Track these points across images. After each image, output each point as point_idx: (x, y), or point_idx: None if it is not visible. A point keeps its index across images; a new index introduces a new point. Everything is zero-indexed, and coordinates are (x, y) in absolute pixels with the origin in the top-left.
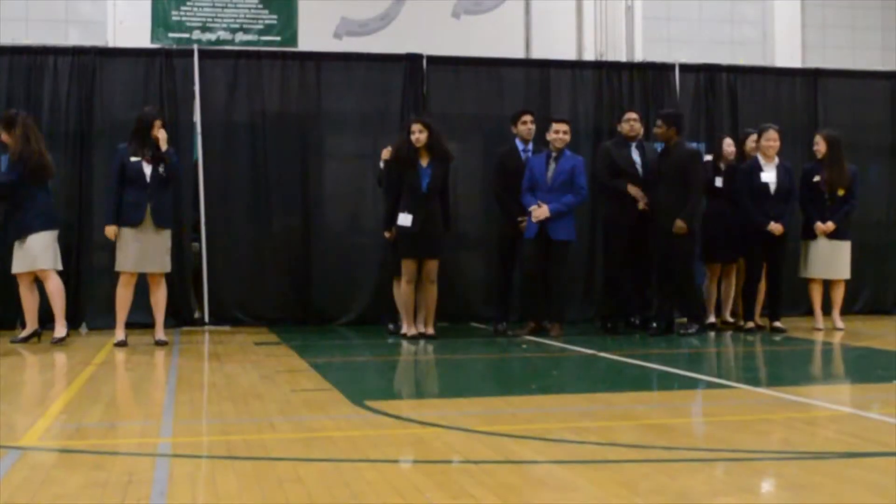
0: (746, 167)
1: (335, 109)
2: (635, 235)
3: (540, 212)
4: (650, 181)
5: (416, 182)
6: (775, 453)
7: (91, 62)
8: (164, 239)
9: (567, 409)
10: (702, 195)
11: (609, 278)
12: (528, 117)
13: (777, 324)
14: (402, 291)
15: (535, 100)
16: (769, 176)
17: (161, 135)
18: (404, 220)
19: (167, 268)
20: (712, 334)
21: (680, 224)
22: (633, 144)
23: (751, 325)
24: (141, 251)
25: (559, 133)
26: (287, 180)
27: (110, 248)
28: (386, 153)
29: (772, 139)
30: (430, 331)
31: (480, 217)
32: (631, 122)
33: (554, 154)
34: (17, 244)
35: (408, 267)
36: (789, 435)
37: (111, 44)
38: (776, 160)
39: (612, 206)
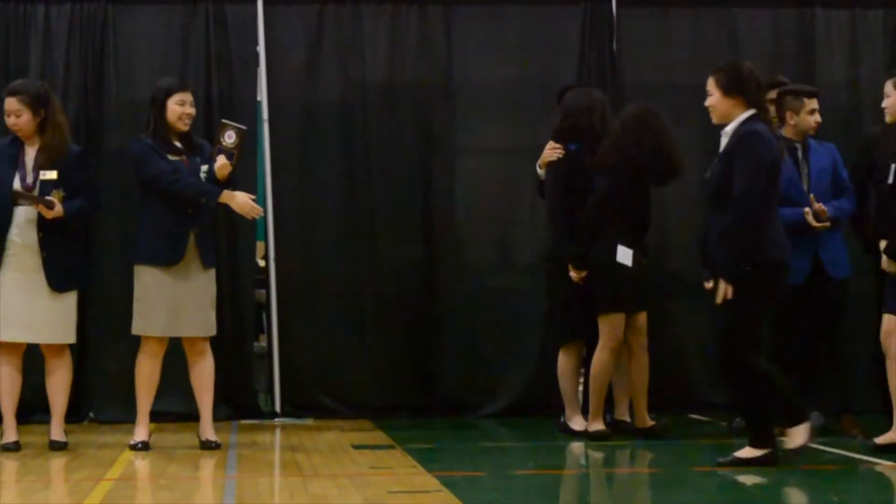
0: None
1: (474, 81)
2: None
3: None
4: None
5: None
6: None
7: (100, 14)
8: (209, 284)
9: None
10: None
11: None
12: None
13: None
14: (600, 363)
15: (789, 59)
16: None
17: (175, 114)
18: (624, 255)
19: (214, 329)
20: None
21: None
22: None
23: None
24: (175, 305)
25: (814, 113)
26: (399, 190)
27: (127, 299)
28: (551, 153)
29: None
30: (648, 421)
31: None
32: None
33: (799, 145)
34: (46, 300)
35: (615, 325)
36: None
37: None
38: None
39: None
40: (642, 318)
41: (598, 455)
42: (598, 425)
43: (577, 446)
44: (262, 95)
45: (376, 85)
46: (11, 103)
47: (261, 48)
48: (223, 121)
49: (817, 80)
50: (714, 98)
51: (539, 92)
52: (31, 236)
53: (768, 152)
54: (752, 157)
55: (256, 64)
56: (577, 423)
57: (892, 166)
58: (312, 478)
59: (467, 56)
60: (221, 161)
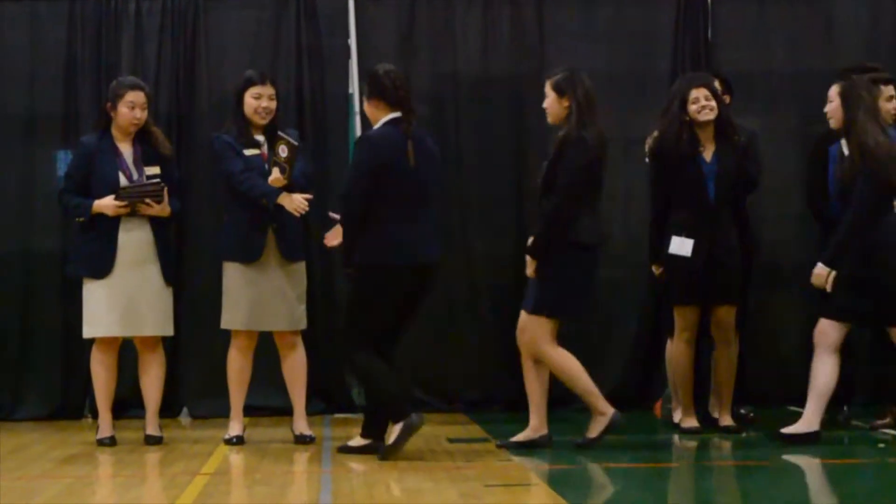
0: None
1: None
2: None
3: None
4: None
5: (696, 186)
6: None
7: (191, 8)
8: (297, 278)
9: None
10: None
11: None
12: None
13: None
14: (674, 356)
15: (888, 46)
16: None
17: (251, 107)
18: (679, 246)
19: (302, 323)
20: None
21: None
22: None
23: None
24: (259, 299)
25: (892, 100)
26: (493, 183)
27: (219, 294)
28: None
29: None
30: (727, 420)
31: (801, 237)
32: None
33: None
34: (154, 292)
35: (684, 318)
36: None
37: None
38: None
39: None
40: (724, 311)
41: (691, 446)
42: (688, 420)
43: (672, 437)
44: (354, 88)
45: (468, 76)
46: (140, 97)
47: (352, 41)
48: (279, 133)
49: None
50: (364, 105)
51: (632, 81)
52: (144, 229)
53: (372, 156)
54: (354, 162)
55: (347, 57)
56: (678, 415)
57: (544, 164)
58: (408, 471)
59: (560, 46)
60: (276, 174)
